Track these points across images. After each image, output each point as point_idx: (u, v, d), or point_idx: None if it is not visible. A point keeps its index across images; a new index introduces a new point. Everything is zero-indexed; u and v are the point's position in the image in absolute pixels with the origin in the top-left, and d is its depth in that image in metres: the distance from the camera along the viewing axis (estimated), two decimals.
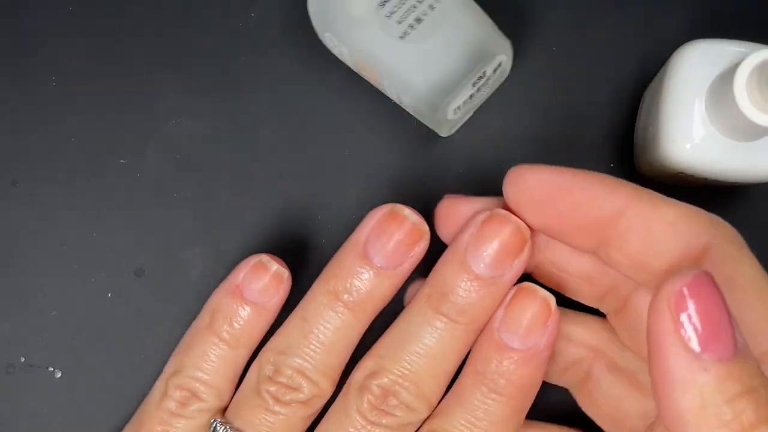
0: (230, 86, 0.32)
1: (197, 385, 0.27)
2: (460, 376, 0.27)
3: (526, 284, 0.26)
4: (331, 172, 0.32)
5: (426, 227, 0.27)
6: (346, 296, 0.27)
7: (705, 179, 0.27)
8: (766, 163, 0.26)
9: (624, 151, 0.32)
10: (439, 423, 0.26)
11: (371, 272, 0.27)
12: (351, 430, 0.26)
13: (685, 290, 0.18)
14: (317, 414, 0.28)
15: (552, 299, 0.26)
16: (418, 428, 0.26)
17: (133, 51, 0.32)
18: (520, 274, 0.26)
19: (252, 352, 0.28)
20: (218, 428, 0.27)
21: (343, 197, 0.32)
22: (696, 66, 0.26)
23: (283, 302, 0.28)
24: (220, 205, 0.32)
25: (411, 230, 0.27)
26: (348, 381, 0.27)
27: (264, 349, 0.28)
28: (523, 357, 0.25)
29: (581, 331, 0.28)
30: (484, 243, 0.25)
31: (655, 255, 0.23)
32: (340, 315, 0.27)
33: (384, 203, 0.32)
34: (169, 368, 0.28)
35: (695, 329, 0.18)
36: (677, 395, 0.18)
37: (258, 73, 0.32)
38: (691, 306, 0.18)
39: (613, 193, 0.23)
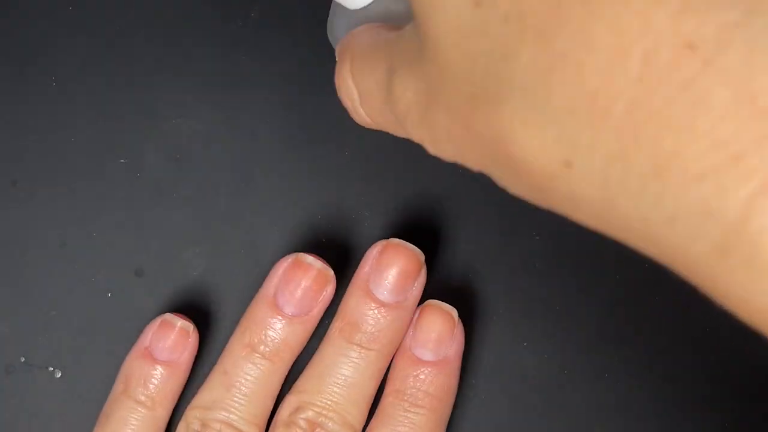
0: (230, 86, 0.32)
1: None
2: (381, 398, 0.28)
3: (431, 301, 0.28)
4: (331, 171, 0.32)
5: (331, 272, 0.29)
6: (262, 347, 0.28)
7: None
8: None
9: None
10: None
11: (283, 321, 0.28)
12: None
13: None
14: None
15: (454, 312, 0.28)
16: None
17: (133, 51, 0.33)
18: (420, 295, 0.29)
19: (170, 411, 0.29)
20: None
21: (343, 197, 0.32)
22: None
23: (194, 356, 0.29)
24: (220, 205, 0.32)
25: (317, 276, 0.28)
26: (274, 419, 0.28)
27: (189, 406, 0.29)
28: (437, 367, 0.27)
29: None
30: (383, 272, 0.28)
31: None
32: (258, 365, 0.28)
33: (384, 203, 0.32)
34: None
35: None
36: None
37: (258, 72, 0.32)
38: None
39: None
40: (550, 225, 0.32)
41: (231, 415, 0.28)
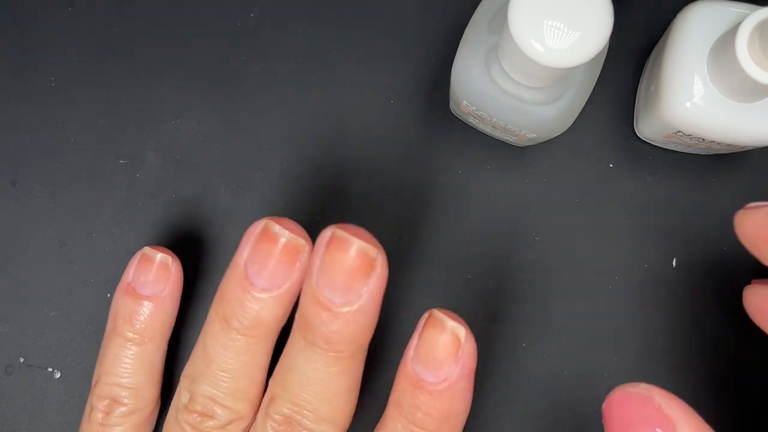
0: (230, 86, 0.32)
1: (116, 390, 0.28)
2: (387, 404, 0.26)
3: (434, 314, 0.25)
4: (331, 172, 0.32)
5: (302, 241, 0.26)
6: (236, 323, 0.26)
7: (702, 140, 0.27)
8: (764, 125, 0.26)
9: (624, 152, 0.32)
10: None
11: (255, 295, 0.26)
12: None
13: None
14: None
15: (461, 330, 0.25)
16: None
17: (133, 51, 0.33)
18: (380, 289, 0.24)
19: (163, 344, 0.29)
20: None
21: (343, 198, 0.32)
22: (699, 26, 0.26)
23: (179, 287, 0.28)
24: (219, 206, 0.32)
25: (286, 248, 0.26)
26: (261, 402, 0.27)
27: (183, 373, 0.28)
28: (438, 390, 0.24)
29: None
30: (329, 273, 0.24)
31: None
32: (235, 341, 0.26)
33: (383, 203, 0.32)
34: (93, 381, 0.29)
35: None
36: None
37: (257, 72, 0.32)
38: None
39: None
40: (549, 226, 0.32)
41: (215, 390, 0.26)
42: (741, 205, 0.32)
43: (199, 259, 0.32)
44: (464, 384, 0.25)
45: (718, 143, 0.27)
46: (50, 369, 0.31)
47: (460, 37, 0.27)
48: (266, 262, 0.25)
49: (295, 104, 0.32)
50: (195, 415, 0.27)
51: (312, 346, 0.25)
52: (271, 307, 0.26)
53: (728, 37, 0.24)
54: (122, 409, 0.28)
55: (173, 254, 0.28)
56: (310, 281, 0.24)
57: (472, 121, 0.30)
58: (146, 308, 0.28)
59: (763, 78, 0.23)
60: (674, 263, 0.31)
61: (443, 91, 0.32)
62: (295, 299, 0.26)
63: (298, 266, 0.26)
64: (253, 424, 0.27)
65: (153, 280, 0.28)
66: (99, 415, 0.28)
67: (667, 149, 0.31)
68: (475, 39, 0.26)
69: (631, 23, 0.32)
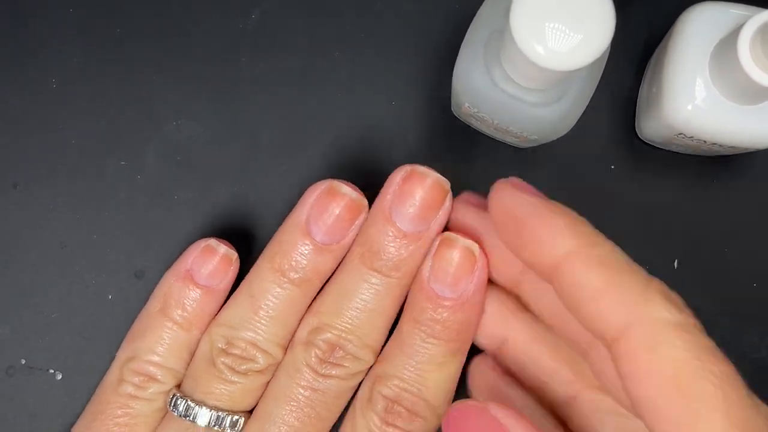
0: (230, 88, 0.32)
1: (153, 368, 0.28)
2: (399, 323, 0.27)
3: (447, 234, 0.27)
4: (332, 174, 0.32)
5: (365, 201, 0.28)
6: (292, 273, 0.27)
7: (704, 142, 0.27)
8: (766, 127, 0.26)
9: (626, 154, 0.32)
10: (384, 368, 0.27)
11: (313, 248, 0.27)
12: (303, 383, 0.27)
13: None
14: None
15: (474, 246, 0.26)
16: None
17: (134, 52, 0.32)
18: (444, 224, 0.27)
19: (203, 331, 0.29)
20: (178, 402, 0.27)
21: None
22: (701, 28, 0.26)
23: (232, 283, 0.29)
24: (220, 207, 0.32)
25: (350, 205, 0.27)
26: (293, 339, 0.28)
27: (213, 323, 0.28)
28: (455, 304, 0.26)
29: None
30: (406, 200, 0.27)
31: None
32: (286, 290, 0.27)
33: None
34: (122, 354, 0.29)
35: None
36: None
37: (258, 73, 0.32)
38: None
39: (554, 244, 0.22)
40: None
41: (257, 336, 0.27)
42: (742, 207, 0.32)
43: None
44: (480, 296, 0.27)
45: (720, 145, 0.27)
46: (52, 371, 0.31)
47: (462, 39, 0.27)
48: (328, 218, 0.27)
49: (296, 106, 0.32)
50: (234, 358, 0.27)
51: (375, 273, 0.27)
52: (327, 260, 0.28)
53: (730, 40, 0.24)
54: (158, 386, 0.28)
55: (236, 251, 0.29)
56: (382, 210, 0.27)
57: (474, 122, 0.30)
58: (200, 297, 0.28)
59: (765, 80, 0.24)
60: (675, 264, 0.31)
61: (445, 92, 0.32)
62: (344, 254, 0.28)
63: (356, 224, 0.28)
64: (289, 355, 0.28)
65: (212, 271, 0.28)
66: (129, 388, 0.28)
67: (668, 151, 0.31)
68: (477, 41, 0.26)
69: (632, 25, 0.32)
